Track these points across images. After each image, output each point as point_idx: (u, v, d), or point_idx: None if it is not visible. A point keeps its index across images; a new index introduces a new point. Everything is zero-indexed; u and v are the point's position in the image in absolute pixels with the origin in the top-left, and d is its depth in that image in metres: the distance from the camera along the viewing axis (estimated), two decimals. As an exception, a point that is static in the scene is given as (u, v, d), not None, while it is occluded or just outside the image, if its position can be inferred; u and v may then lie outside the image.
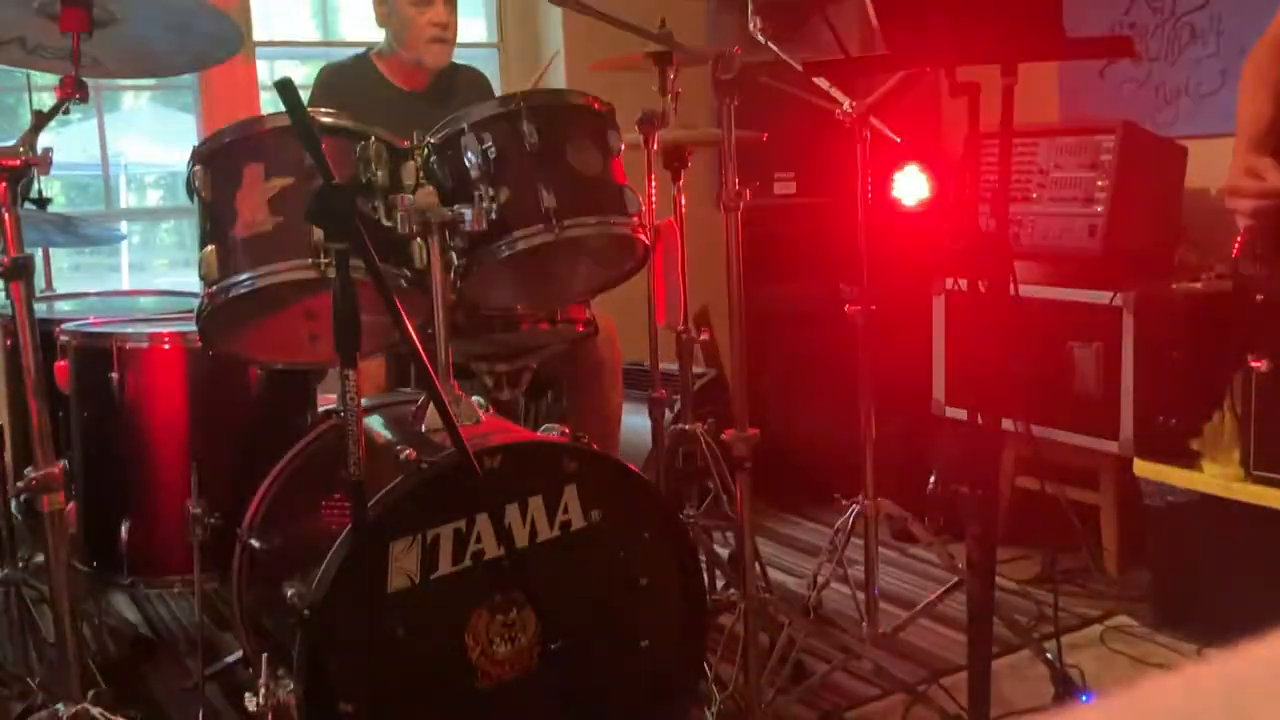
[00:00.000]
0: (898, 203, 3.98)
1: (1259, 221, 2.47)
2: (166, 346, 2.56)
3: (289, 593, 1.98)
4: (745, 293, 2.48)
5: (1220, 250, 3.25)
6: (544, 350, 2.81)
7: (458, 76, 3.47)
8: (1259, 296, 2.52)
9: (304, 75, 3.51)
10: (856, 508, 2.78)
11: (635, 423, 3.31)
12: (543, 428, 2.42)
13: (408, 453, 2.04)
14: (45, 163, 2.00)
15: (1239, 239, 2.53)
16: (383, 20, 3.35)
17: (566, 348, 2.88)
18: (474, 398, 2.31)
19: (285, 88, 1.83)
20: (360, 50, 3.47)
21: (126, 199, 4.74)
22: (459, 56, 3.58)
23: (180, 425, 2.58)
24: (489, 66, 4.29)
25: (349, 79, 3.37)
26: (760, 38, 2.64)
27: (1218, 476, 2.83)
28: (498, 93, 3.64)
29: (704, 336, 3.14)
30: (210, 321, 2.21)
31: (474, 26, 4.80)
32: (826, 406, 3.99)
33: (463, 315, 2.53)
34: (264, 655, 2.05)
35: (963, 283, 2.07)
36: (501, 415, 2.59)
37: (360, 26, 3.46)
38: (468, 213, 2.20)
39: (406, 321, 1.86)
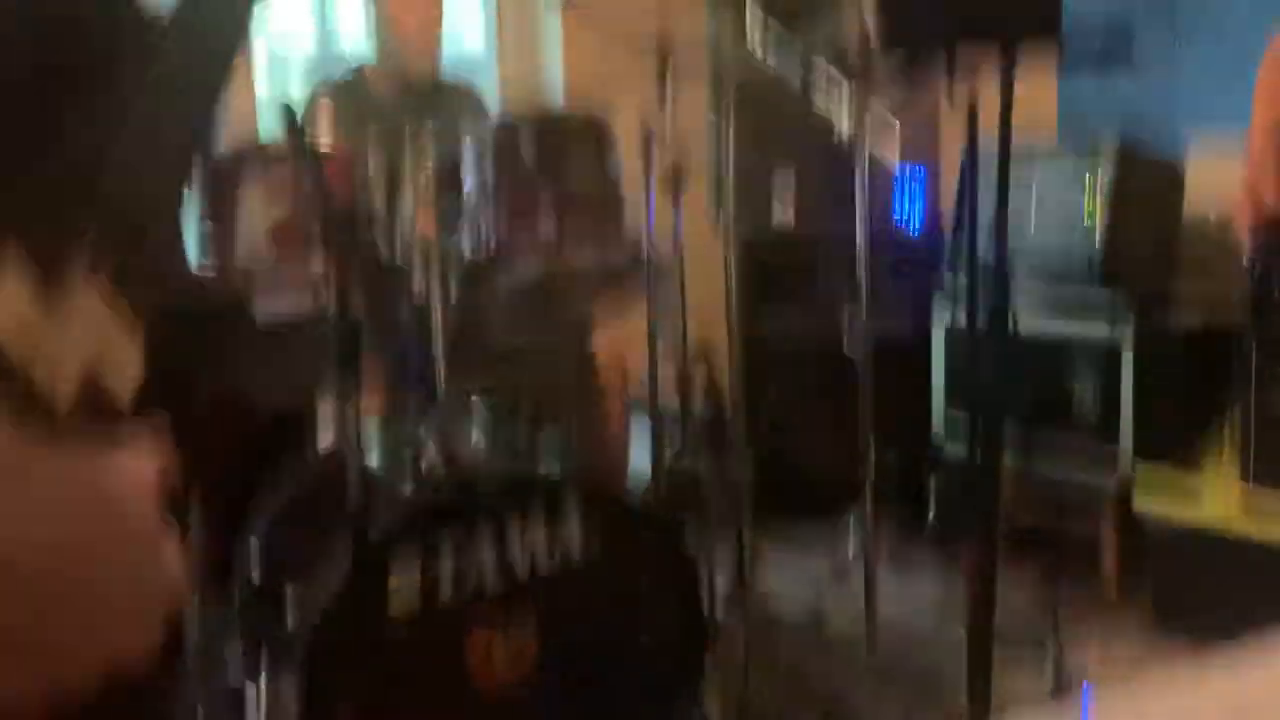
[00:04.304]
0: (899, 227, 3.98)
1: (1257, 240, 2.47)
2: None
3: (289, 594, 1.97)
4: (744, 320, 2.48)
5: (1220, 278, 3.25)
6: (544, 380, 2.80)
7: (448, 90, 3.48)
8: None
9: (303, 73, 3.48)
10: (855, 528, 2.77)
11: (634, 453, 3.30)
12: (543, 458, 2.41)
13: (408, 482, 2.04)
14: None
15: (1260, 271, 2.52)
16: (370, 32, 3.36)
17: (567, 377, 2.87)
18: (474, 426, 2.30)
19: (286, 115, 1.84)
20: (353, 66, 3.47)
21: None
22: (457, 63, 3.56)
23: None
24: (487, 73, 4.28)
25: (341, 96, 3.37)
26: (759, 44, 2.63)
27: (1217, 509, 2.82)
28: (491, 94, 3.60)
29: (703, 365, 3.13)
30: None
31: (473, 31, 4.78)
32: (826, 433, 3.97)
33: (462, 344, 2.53)
34: (264, 656, 2.03)
35: (961, 317, 2.07)
36: (502, 444, 2.59)
37: (359, 30, 3.44)
38: (466, 240, 2.20)
39: (404, 350, 1.86)
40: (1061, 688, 2.55)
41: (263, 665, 2.30)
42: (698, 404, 3.71)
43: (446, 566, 1.99)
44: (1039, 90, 3.69)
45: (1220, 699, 0.40)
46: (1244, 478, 2.77)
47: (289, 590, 2.20)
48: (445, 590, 1.99)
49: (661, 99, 2.72)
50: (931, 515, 3.65)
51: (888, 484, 3.51)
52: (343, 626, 1.91)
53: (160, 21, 0.68)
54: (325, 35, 4.66)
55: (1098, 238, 3.28)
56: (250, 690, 2.19)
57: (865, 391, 2.72)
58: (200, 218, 2.18)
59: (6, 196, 0.62)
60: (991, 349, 2.05)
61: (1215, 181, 3.05)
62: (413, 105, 3.39)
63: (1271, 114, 2.51)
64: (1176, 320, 3.09)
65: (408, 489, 2.03)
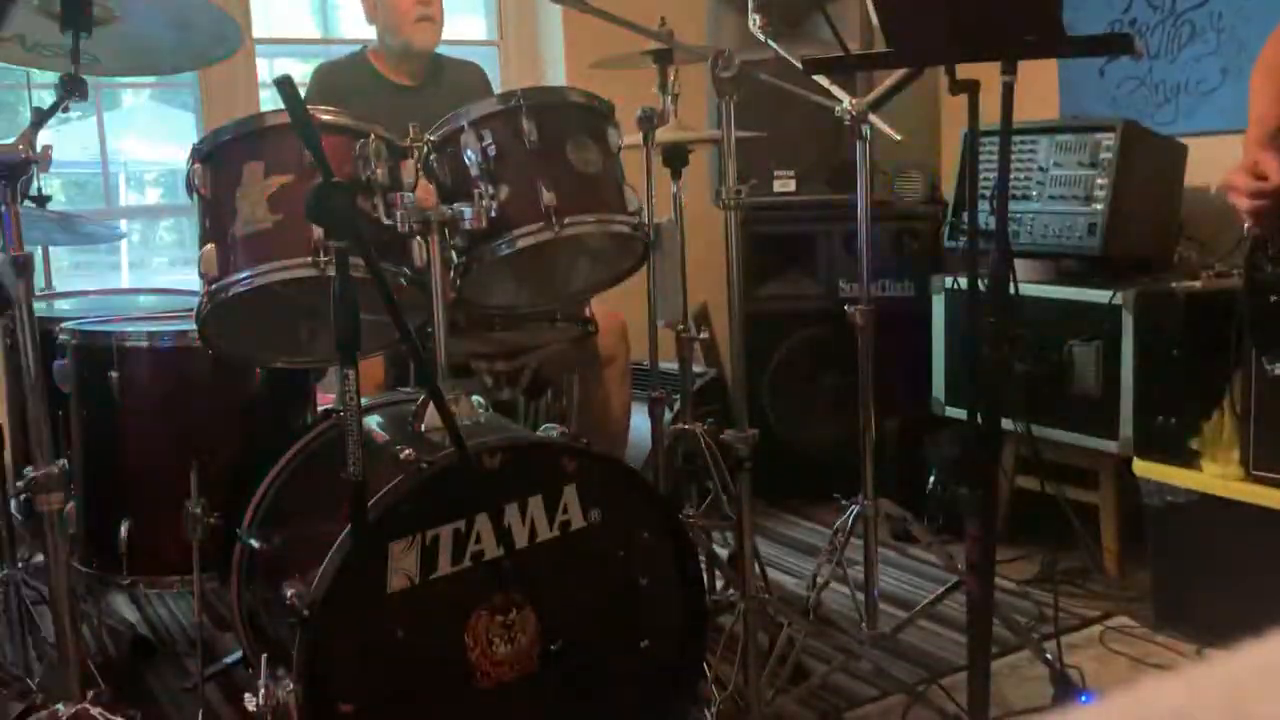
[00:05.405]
0: (898, 201, 3.99)
1: (1257, 221, 2.47)
2: (166, 345, 2.55)
3: (288, 593, 1.97)
4: (745, 292, 2.47)
5: (1220, 248, 3.25)
6: (544, 349, 2.81)
7: (451, 69, 3.49)
8: (1273, 298, 2.51)
9: (303, 73, 3.52)
10: (856, 508, 2.77)
11: (635, 422, 3.31)
12: (542, 427, 2.41)
13: (407, 453, 2.04)
14: (45, 160, 1.99)
15: (1252, 238, 2.52)
16: (370, 13, 3.37)
17: (566, 346, 2.88)
18: (473, 397, 2.31)
19: (284, 85, 1.83)
20: (356, 48, 3.49)
21: (126, 197, 4.73)
22: (458, 54, 3.58)
23: (180, 425, 2.58)
24: (489, 65, 4.29)
25: (345, 76, 3.39)
26: (760, 35, 2.63)
27: (1217, 476, 2.83)
28: (494, 84, 3.64)
29: (703, 336, 3.14)
30: (210, 320, 2.21)
31: (474, 25, 4.80)
32: (826, 406, 3.99)
33: (462, 314, 2.53)
34: (263, 655, 2.04)
35: (962, 281, 2.06)
36: (501, 414, 2.59)
37: (359, 24, 3.48)
38: (467, 210, 2.20)
39: (405, 320, 1.86)
40: (1060, 678, 2.56)
41: (263, 639, 2.32)
42: (697, 370, 3.72)
43: (445, 535, 1.99)
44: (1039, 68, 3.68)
45: (1220, 698, 0.40)
46: (1244, 444, 2.77)
47: (287, 561, 2.21)
48: (444, 560, 1.99)
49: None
50: (931, 482, 3.67)
51: (888, 453, 3.54)
52: (343, 599, 1.91)
53: None
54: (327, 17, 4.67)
55: (1101, 206, 3.28)
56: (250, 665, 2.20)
57: (866, 360, 2.72)
58: (201, 187, 2.17)
59: None
60: (992, 314, 2.05)
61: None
62: (415, 78, 3.40)
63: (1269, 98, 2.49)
64: (1178, 288, 3.09)
65: (407, 455, 2.03)
